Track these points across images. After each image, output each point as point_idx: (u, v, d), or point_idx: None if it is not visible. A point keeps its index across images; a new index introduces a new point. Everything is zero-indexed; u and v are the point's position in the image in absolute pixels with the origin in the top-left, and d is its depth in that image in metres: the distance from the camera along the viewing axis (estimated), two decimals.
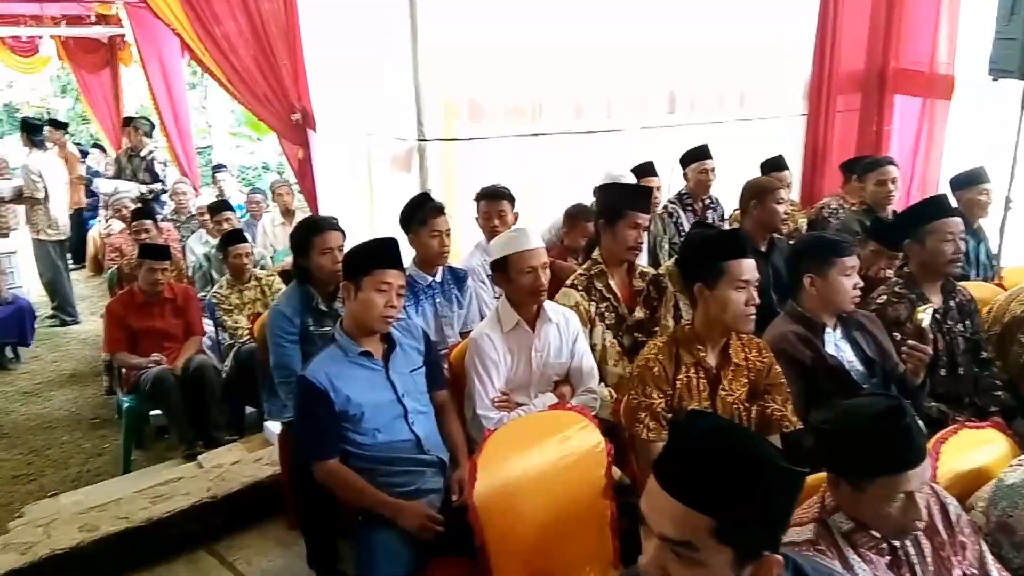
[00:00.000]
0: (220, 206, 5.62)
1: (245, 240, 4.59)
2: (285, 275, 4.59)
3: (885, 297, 2.83)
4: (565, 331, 2.68)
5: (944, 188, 4.20)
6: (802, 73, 5.44)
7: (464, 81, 3.97)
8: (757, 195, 3.38)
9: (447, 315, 3.20)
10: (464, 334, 3.06)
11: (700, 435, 1.14)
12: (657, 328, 2.91)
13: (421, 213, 3.12)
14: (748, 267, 2.22)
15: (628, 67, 4.44)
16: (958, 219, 2.81)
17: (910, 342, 2.50)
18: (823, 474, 1.65)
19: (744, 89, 5.07)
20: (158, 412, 4.19)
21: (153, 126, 8.02)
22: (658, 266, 3.48)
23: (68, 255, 7.18)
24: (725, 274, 2.20)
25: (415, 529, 2.18)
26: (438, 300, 3.17)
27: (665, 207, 4.41)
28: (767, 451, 1.15)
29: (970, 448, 2.06)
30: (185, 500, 3.20)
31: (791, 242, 3.35)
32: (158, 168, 7.28)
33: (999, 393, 2.80)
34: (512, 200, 3.59)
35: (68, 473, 4.26)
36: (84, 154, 9.50)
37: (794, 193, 5.23)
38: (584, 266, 3.09)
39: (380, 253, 2.36)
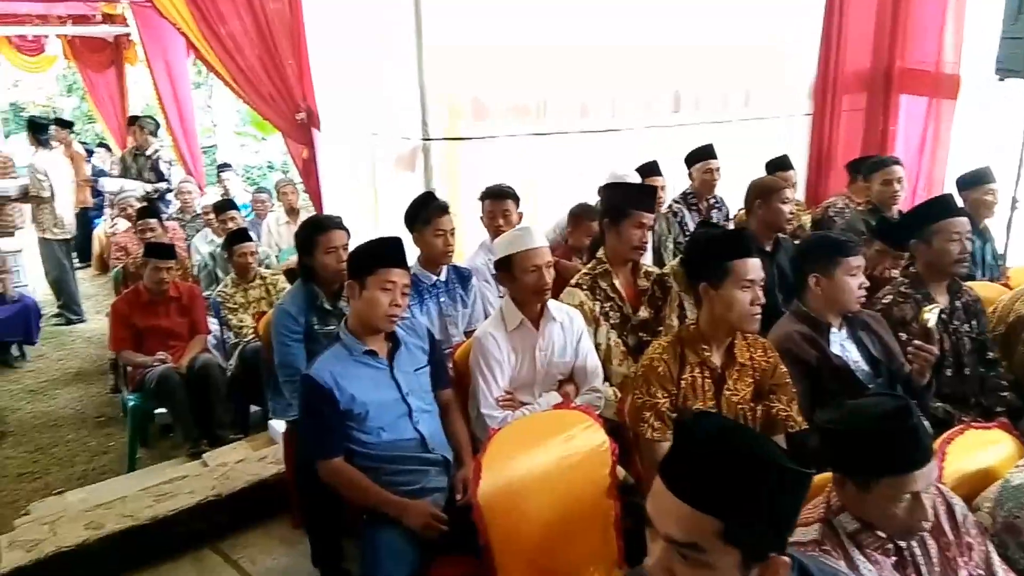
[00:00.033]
0: (225, 205, 5.63)
1: (250, 239, 4.60)
2: (290, 274, 4.60)
3: (891, 297, 2.82)
4: (569, 330, 2.68)
5: (950, 188, 4.18)
6: (807, 72, 5.42)
7: (468, 80, 3.97)
8: (762, 195, 3.37)
9: (451, 314, 3.20)
10: (468, 333, 3.06)
11: (706, 436, 1.13)
12: (661, 328, 2.91)
13: (425, 212, 3.12)
14: (753, 266, 2.21)
15: (633, 66, 4.44)
16: (964, 219, 2.81)
17: (916, 342, 2.49)
18: (828, 474, 1.65)
19: (749, 88, 5.06)
20: (163, 410, 4.20)
21: (158, 125, 8.06)
22: (663, 266, 3.47)
23: (73, 254, 7.19)
24: (730, 273, 2.19)
25: (419, 528, 2.18)
26: (442, 299, 3.18)
27: (670, 207, 4.41)
28: (773, 452, 1.14)
29: (976, 449, 2.06)
30: (190, 498, 3.20)
31: (796, 242, 3.34)
32: (163, 167, 7.31)
33: (1005, 393, 2.79)
34: (517, 199, 3.59)
35: (74, 471, 4.27)
36: (90, 153, 9.51)
37: (799, 193, 5.22)
38: (588, 265, 3.08)
39: (385, 252, 2.36)
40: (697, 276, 2.29)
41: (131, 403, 4.17)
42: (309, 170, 5.33)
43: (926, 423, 1.59)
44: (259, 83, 4.86)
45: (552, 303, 2.67)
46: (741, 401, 2.29)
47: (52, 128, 7.33)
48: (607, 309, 2.94)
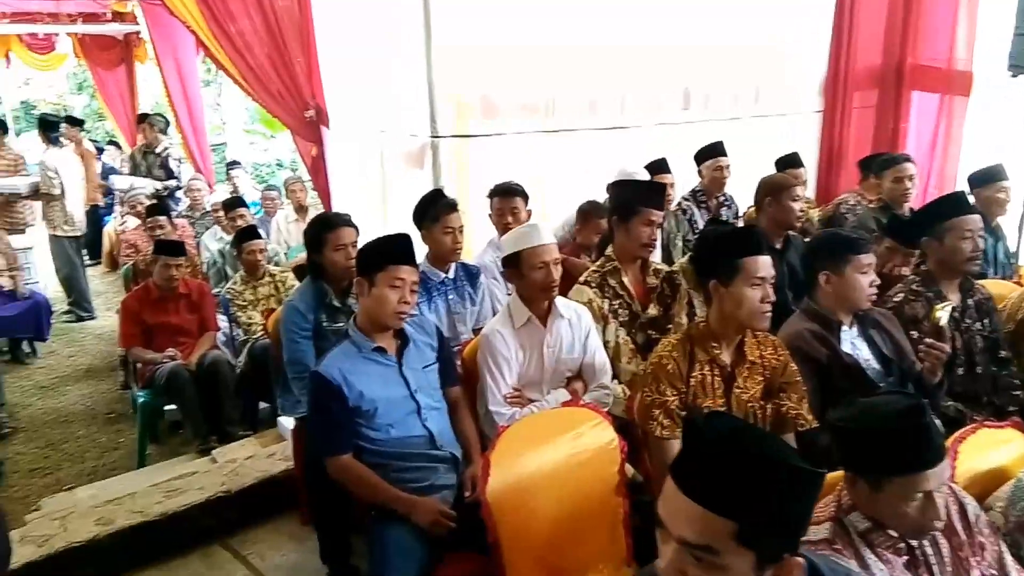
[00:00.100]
0: (234, 202, 5.65)
1: (259, 236, 4.60)
2: (299, 271, 4.61)
3: (902, 295, 2.80)
4: (577, 327, 2.67)
5: (962, 185, 4.15)
6: (818, 69, 5.39)
7: (477, 78, 3.96)
8: (772, 192, 3.35)
9: (460, 312, 3.19)
10: (477, 331, 3.06)
11: (717, 437, 1.12)
12: (671, 325, 2.90)
13: (434, 210, 3.12)
14: (764, 264, 2.20)
15: (642, 64, 4.42)
16: (977, 216, 2.78)
17: (927, 340, 2.48)
18: (839, 472, 1.64)
19: (759, 86, 5.03)
20: (173, 407, 4.22)
21: (168, 123, 8.08)
22: (671, 263, 3.46)
23: (84, 251, 7.23)
24: (741, 271, 2.18)
25: (428, 525, 2.18)
26: (451, 296, 3.17)
27: (679, 204, 4.39)
28: (787, 452, 1.14)
29: (988, 448, 2.04)
30: (199, 494, 3.21)
31: (806, 239, 3.33)
32: (173, 165, 7.34)
33: (1018, 392, 2.77)
34: (525, 197, 3.58)
35: (84, 467, 4.30)
36: (100, 151, 9.57)
37: (809, 190, 5.19)
38: (597, 263, 3.07)
39: (394, 249, 2.37)
40: (707, 273, 2.28)
41: (141, 399, 4.19)
42: (318, 168, 5.33)
43: (937, 422, 1.57)
44: (268, 81, 4.87)
45: (560, 300, 2.67)
46: (751, 399, 2.28)
47: (63, 126, 7.37)
48: (616, 307, 2.93)
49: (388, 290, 2.30)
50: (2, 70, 11.21)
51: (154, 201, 6.26)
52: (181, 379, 4.03)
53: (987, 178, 3.81)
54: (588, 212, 3.86)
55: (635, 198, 2.98)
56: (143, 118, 7.71)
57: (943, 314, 2.52)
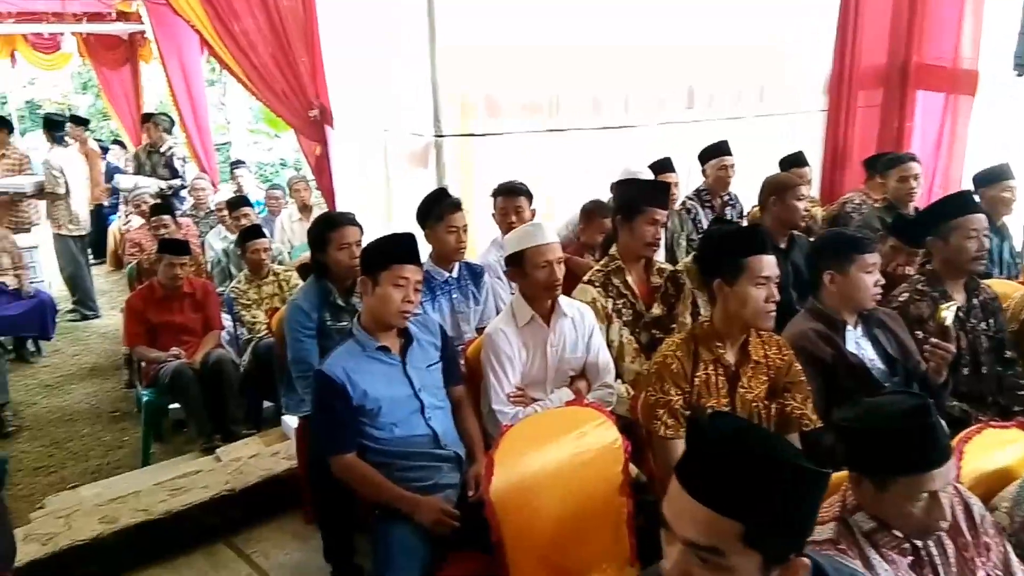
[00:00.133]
0: (238, 202, 5.65)
1: (263, 236, 4.61)
2: (303, 270, 4.61)
3: (907, 295, 2.80)
4: (580, 325, 2.67)
5: (967, 185, 4.14)
6: (822, 68, 5.38)
7: (481, 77, 3.96)
8: (777, 191, 3.35)
9: (464, 311, 3.19)
10: (480, 330, 3.06)
11: (724, 437, 1.11)
12: (675, 325, 2.89)
13: (438, 209, 3.11)
14: (768, 263, 2.20)
15: (646, 63, 4.41)
16: (982, 216, 2.78)
17: (932, 340, 2.47)
18: (844, 472, 1.63)
19: (763, 85, 5.02)
20: (177, 406, 4.22)
21: (173, 122, 8.09)
22: (675, 263, 3.46)
23: (88, 250, 7.25)
24: (745, 270, 2.17)
25: (431, 524, 2.18)
26: (455, 296, 3.17)
27: (683, 203, 4.39)
28: (792, 452, 1.13)
29: (994, 448, 2.03)
30: (203, 493, 3.22)
31: (811, 239, 3.32)
32: (177, 164, 7.36)
33: (1023, 392, 2.75)
34: (529, 196, 3.58)
35: (88, 465, 4.31)
36: (104, 150, 9.58)
37: (814, 189, 5.18)
38: (601, 262, 3.07)
39: (398, 248, 2.37)
40: (711, 273, 2.27)
41: (145, 398, 4.19)
42: (322, 167, 5.33)
43: (942, 422, 1.57)
44: (272, 80, 4.87)
45: (563, 299, 2.67)
46: (755, 399, 2.27)
47: (68, 125, 7.39)
48: (620, 306, 2.93)
49: (392, 289, 2.30)
50: (7, 70, 11.24)
51: (158, 200, 6.27)
52: (185, 378, 4.03)
53: (992, 177, 3.80)
54: (592, 211, 3.86)
55: (639, 197, 2.98)
56: (148, 117, 7.73)
57: (948, 314, 2.51)
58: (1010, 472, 1.99)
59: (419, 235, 2.72)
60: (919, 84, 5.33)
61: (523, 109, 4.11)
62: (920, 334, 2.62)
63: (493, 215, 3.61)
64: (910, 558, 1.58)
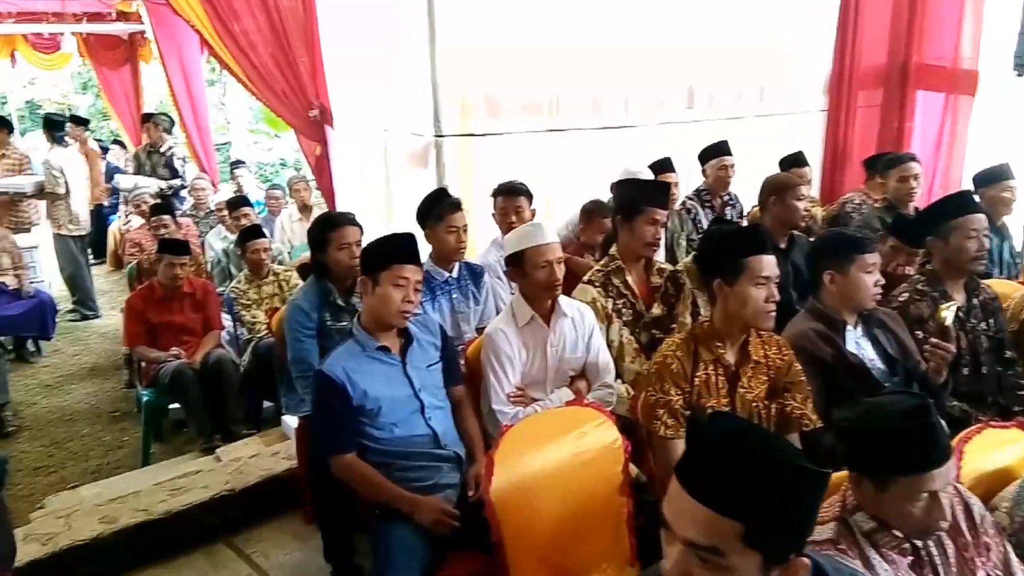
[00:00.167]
0: (238, 202, 5.65)
1: (263, 236, 4.61)
2: (303, 270, 4.61)
3: (907, 295, 2.80)
4: (580, 325, 2.67)
5: (967, 185, 4.14)
6: (822, 68, 5.38)
7: (481, 77, 3.96)
8: (777, 191, 3.35)
9: (464, 311, 3.19)
10: (480, 330, 3.06)
11: (724, 437, 1.11)
12: (675, 325, 2.89)
13: (438, 209, 3.11)
14: (769, 263, 2.20)
15: (646, 63, 4.41)
16: (982, 216, 2.78)
17: (933, 340, 2.47)
18: (844, 472, 1.63)
19: (763, 85, 5.02)
20: (177, 406, 4.22)
21: (173, 123, 8.09)
22: (675, 263, 3.46)
23: (88, 250, 7.25)
24: (745, 270, 2.17)
25: (431, 524, 2.18)
26: (455, 296, 3.17)
27: (683, 203, 4.39)
28: (792, 452, 1.13)
29: (994, 448, 2.03)
30: (203, 493, 3.22)
31: (811, 239, 3.32)
32: (177, 164, 7.36)
33: (1023, 392, 2.75)
34: (529, 196, 3.58)
35: (88, 465, 4.31)
36: (104, 150, 9.58)
37: (814, 189, 5.18)
38: (601, 262, 3.07)
39: (398, 248, 2.37)
40: (711, 273, 2.27)
41: (145, 398, 4.19)
42: (322, 167, 5.33)
43: (942, 422, 1.57)
44: (272, 80, 4.87)
45: (563, 299, 2.67)
46: (755, 399, 2.27)
47: (68, 125, 7.39)
48: (620, 306, 2.93)
49: (392, 289, 2.30)
50: (7, 69, 11.24)
51: (158, 200, 6.27)
52: (185, 378, 4.03)
53: (993, 177, 3.80)
54: (592, 211, 3.86)
55: (639, 197, 2.98)
56: (148, 117, 7.73)
57: (948, 314, 2.51)
58: (1010, 472, 1.99)
59: (419, 235, 2.72)
60: (919, 84, 5.33)
61: (523, 109, 4.11)
62: (920, 334, 2.62)
63: (493, 215, 3.61)
64: (910, 558, 1.58)
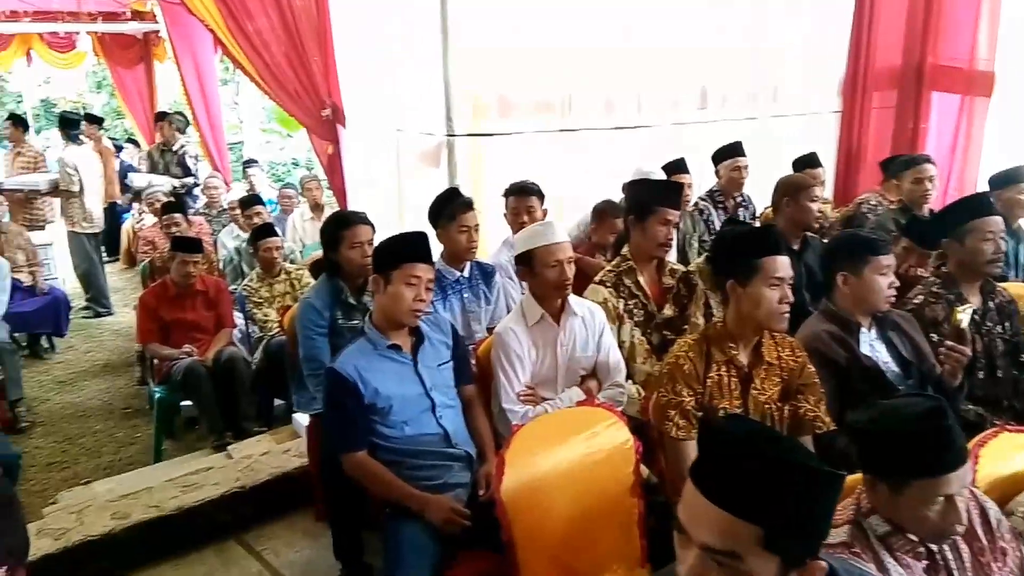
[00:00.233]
0: (251, 200, 5.68)
1: (275, 234, 4.63)
2: (315, 268, 4.62)
3: (922, 297, 2.77)
4: (591, 325, 2.66)
5: (982, 187, 4.10)
6: (836, 69, 5.35)
7: (493, 77, 3.96)
8: (790, 192, 3.33)
9: (475, 310, 3.19)
10: (491, 330, 3.06)
11: (740, 440, 1.10)
12: (687, 326, 2.88)
13: (450, 208, 3.11)
14: (782, 264, 2.18)
15: (659, 63, 4.40)
16: (998, 218, 2.75)
17: (948, 343, 2.45)
18: (858, 475, 1.62)
19: (777, 85, 5.00)
20: (189, 403, 4.24)
21: (188, 122, 8.14)
22: (687, 264, 3.44)
23: (102, 248, 7.30)
24: (759, 271, 2.16)
25: (441, 523, 2.18)
26: (466, 295, 3.17)
27: (696, 204, 4.37)
28: (808, 455, 1.12)
29: (1010, 452, 2.01)
30: (215, 490, 3.23)
31: (824, 240, 3.30)
32: (190, 163, 7.40)
33: None
34: (541, 196, 3.57)
35: (101, 461, 4.33)
36: (118, 149, 9.65)
37: (827, 191, 5.15)
38: (613, 263, 3.06)
39: (410, 247, 2.37)
40: (725, 273, 2.26)
41: (157, 395, 4.22)
42: (334, 166, 5.34)
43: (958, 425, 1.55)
44: (285, 80, 4.88)
45: (573, 298, 2.66)
46: (768, 401, 2.26)
47: (82, 124, 7.44)
48: (631, 307, 2.92)
49: (404, 288, 2.30)
50: (23, 68, 11.33)
51: (172, 199, 6.30)
52: (197, 375, 4.05)
53: (1008, 180, 3.76)
54: (604, 211, 3.85)
55: (651, 197, 2.97)
56: (162, 116, 7.78)
57: (964, 317, 2.49)
58: None
59: (431, 234, 2.72)
60: (934, 85, 5.30)
61: (535, 109, 4.11)
62: (935, 337, 2.60)
63: (505, 215, 3.61)
64: (925, 562, 1.56)
